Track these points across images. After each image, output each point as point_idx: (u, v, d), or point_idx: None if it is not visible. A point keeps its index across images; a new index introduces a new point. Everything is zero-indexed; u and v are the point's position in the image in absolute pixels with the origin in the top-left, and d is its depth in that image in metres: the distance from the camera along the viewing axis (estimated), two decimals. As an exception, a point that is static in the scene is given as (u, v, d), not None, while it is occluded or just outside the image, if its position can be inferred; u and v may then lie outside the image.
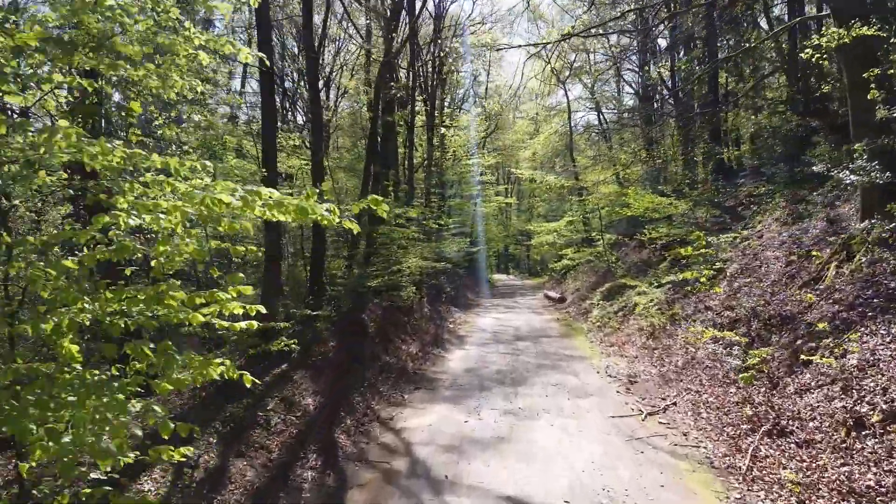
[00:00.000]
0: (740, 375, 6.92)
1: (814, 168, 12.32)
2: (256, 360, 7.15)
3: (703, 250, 11.38)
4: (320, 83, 27.26)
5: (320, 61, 24.44)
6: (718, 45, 19.92)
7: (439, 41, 24.36)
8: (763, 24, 18.64)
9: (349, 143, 28.85)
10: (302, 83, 26.93)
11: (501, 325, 16.14)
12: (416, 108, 28.32)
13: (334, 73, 23.47)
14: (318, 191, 2.89)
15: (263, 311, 3.26)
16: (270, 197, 2.52)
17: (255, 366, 7.08)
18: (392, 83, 13.23)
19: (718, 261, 11.69)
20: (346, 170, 17.38)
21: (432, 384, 9.27)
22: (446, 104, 30.88)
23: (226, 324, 3.41)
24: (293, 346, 6.55)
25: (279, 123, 21.77)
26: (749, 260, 11.19)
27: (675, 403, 7.87)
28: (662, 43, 27.13)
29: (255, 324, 3.46)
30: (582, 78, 32.75)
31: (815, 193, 11.41)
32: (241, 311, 3.39)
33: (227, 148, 6.91)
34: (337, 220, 2.74)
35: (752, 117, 15.91)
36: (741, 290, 10.32)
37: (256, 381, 3.45)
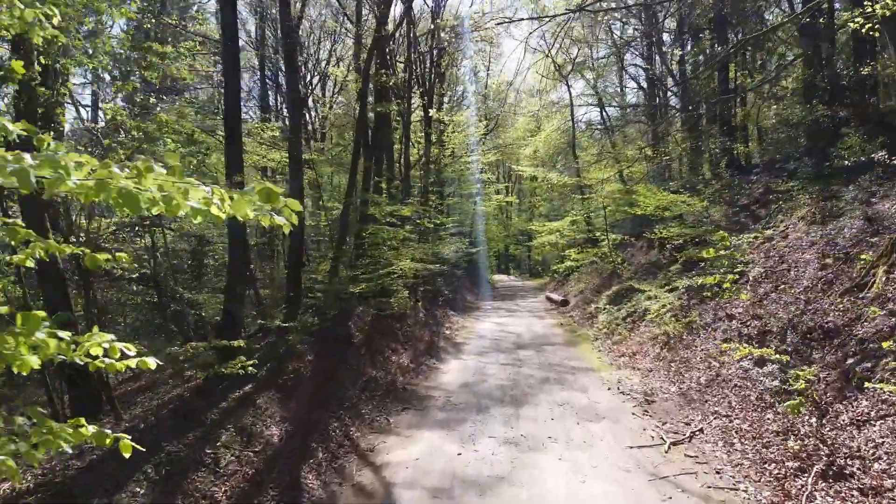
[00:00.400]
0: (786, 404, 5.79)
1: (845, 162, 11.26)
2: (214, 381, 6.06)
3: (722, 252, 10.29)
4: (315, 79, 26.23)
5: (313, 55, 23.34)
6: (729, 34, 18.83)
7: (437, 34, 23.28)
8: (777, 11, 17.54)
9: (346, 141, 27.87)
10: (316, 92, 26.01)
11: (502, 330, 15.04)
12: (413, 103, 27.26)
13: (330, 68, 22.35)
14: (239, 180, 1.81)
15: (131, 350, 2.16)
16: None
17: (213, 389, 6.00)
18: (384, 70, 12.14)
19: (739, 264, 10.59)
20: (335, 164, 16.27)
21: (423, 403, 8.18)
22: (445, 101, 29.81)
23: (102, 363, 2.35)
24: (250, 367, 5.46)
25: (271, 121, 20.72)
26: (774, 263, 10.08)
27: (701, 430, 6.77)
28: (667, 39, 26.06)
29: (150, 362, 2.38)
30: (584, 73, 31.65)
31: (849, 188, 10.28)
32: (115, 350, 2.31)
33: (167, 130, 5.86)
34: (224, 215, 1.65)
35: (773, 106, 14.75)
36: (768, 296, 9.22)
37: (139, 447, 2.35)
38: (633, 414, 7.57)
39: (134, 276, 7.05)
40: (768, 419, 6.46)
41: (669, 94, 27.53)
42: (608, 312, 14.43)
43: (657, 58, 25.49)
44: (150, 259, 7.36)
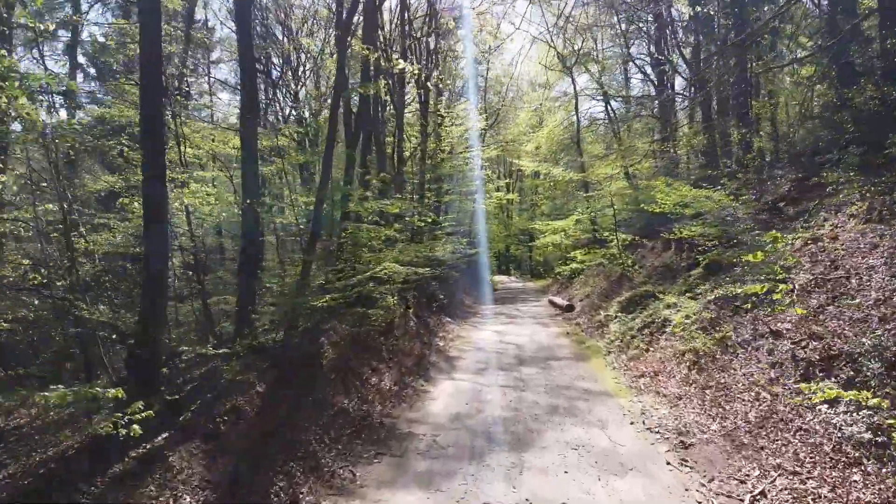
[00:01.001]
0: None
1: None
2: (108, 439, 4.39)
3: (754, 256, 8.61)
4: (307, 69, 24.58)
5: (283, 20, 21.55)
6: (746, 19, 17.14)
7: (434, 18, 21.63)
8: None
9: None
10: (288, 73, 24.31)
11: (502, 341, 13.39)
12: (408, 96, 25.59)
13: (303, 39, 20.66)
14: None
15: None
16: None
17: (107, 446, 4.35)
18: (369, 47, 10.46)
19: (781, 270, 8.92)
20: (316, 155, 14.62)
21: (402, 445, 6.52)
22: (444, 94, 28.13)
23: None
24: (135, 427, 3.77)
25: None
26: (825, 269, 8.42)
27: (763, 494, 5.11)
28: (679, 19, 24.33)
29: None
30: (589, 66, 29.98)
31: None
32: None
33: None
34: None
35: (816, 87, 13.05)
36: (825, 310, 7.56)
37: None
38: (668, 463, 5.91)
39: (30, 285, 5.44)
40: (856, 482, 4.80)
41: (680, 84, 25.86)
42: (621, 322, 12.77)
43: (667, 46, 23.77)
44: (54, 267, 5.72)
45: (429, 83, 19.69)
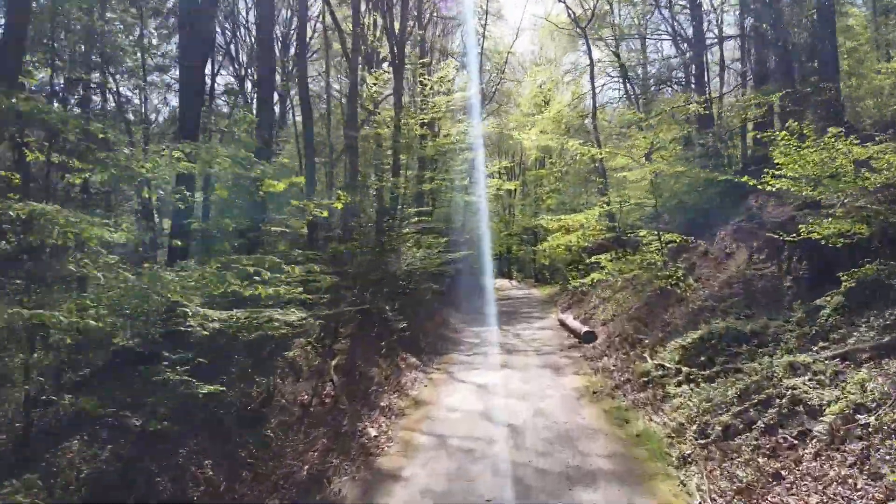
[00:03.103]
0: None
1: None
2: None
3: None
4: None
5: None
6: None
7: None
8: None
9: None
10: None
11: (485, 413, 7.72)
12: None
13: None
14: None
15: None
16: None
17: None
18: None
19: None
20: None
21: None
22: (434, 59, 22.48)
23: None
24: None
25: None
26: None
27: None
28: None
29: None
30: (603, 35, 24.26)
31: None
32: None
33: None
34: None
35: None
36: None
37: None
38: None
39: None
40: None
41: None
42: (696, 393, 7.07)
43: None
44: None
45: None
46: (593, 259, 12.56)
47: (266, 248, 7.68)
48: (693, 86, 20.48)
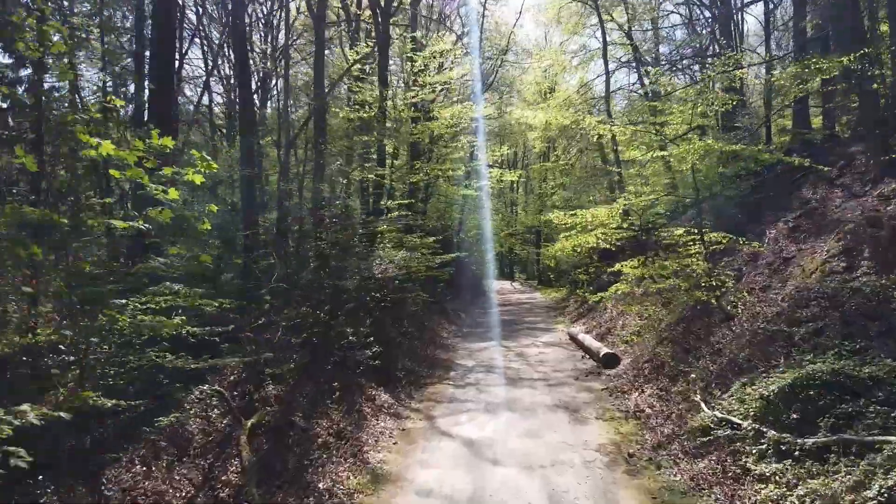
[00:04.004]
0: None
1: None
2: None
3: None
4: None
5: None
6: None
7: None
8: None
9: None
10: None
11: (476, 497, 5.21)
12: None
13: None
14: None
15: None
16: None
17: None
18: None
19: None
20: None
21: None
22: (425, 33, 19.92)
23: None
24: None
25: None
26: None
27: None
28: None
29: None
30: (615, 16, 21.67)
31: None
32: None
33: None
34: None
35: None
36: None
37: None
38: None
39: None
40: None
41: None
42: (802, 476, 4.50)
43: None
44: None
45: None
46: (617, 267, 9.95)
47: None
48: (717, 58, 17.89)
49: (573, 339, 13.01)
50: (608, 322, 13.40)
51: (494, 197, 32.09)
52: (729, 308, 8.68)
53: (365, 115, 14.18)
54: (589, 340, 11.65)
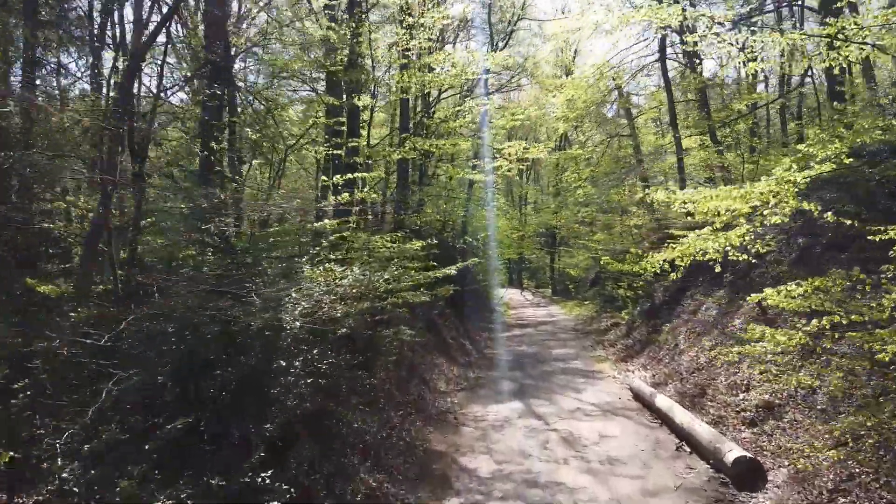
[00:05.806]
0: None
1: None
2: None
3: None
4: None
5: None
6: None
7: None
8: None
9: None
10: None
11: None
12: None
13: None
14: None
15: None
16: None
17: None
18: None
19: None
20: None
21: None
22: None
23: None
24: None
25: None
26: None
27: None
28: None
29: None
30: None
31: None
32: None
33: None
34: None
35: None
36: None
37: None
38: None
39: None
40: None
41: None
42: None
43: None
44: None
45: None
46: (770, 294, 5.07)
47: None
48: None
49: (644, 402, 8.13)
50: (693, 371, 8.52)
51: (500, 194, 27.32)
52: None
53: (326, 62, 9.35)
54: (687, 418, 6.72)
